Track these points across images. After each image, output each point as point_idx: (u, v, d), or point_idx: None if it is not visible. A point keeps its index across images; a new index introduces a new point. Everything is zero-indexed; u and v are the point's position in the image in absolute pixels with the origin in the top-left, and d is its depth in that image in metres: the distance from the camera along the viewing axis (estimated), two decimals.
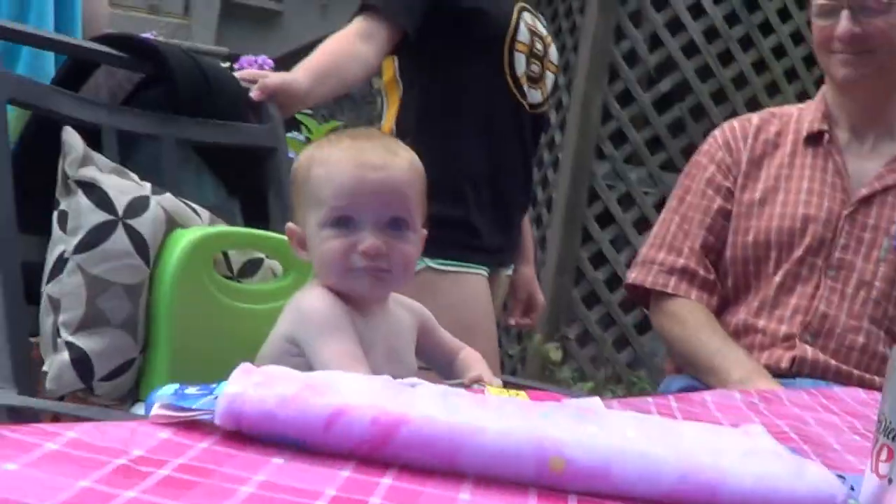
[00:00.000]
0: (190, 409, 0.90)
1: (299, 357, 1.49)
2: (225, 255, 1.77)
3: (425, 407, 0.88)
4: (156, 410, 0.92)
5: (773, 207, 2.44)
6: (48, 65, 2.19)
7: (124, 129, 1.88)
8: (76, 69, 1.97)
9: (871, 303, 2.35)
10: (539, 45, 2.71)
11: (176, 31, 4.49)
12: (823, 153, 2.46)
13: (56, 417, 1.66)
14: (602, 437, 0.90)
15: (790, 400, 1.56)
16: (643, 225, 5.38)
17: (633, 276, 2.58)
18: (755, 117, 2.60)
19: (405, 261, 1.54)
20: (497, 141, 2.64)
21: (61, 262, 1.62)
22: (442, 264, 2.48)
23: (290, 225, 1.61)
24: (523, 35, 2.64)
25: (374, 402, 0.87)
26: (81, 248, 1.61)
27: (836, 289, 2.36)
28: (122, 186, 1.67)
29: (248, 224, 2.03)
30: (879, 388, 2.22)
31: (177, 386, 0.95)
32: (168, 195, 1.73)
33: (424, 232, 1.62)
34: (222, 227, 1.79)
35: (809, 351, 2.33)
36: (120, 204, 1.64)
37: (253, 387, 0.88)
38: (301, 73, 2.33)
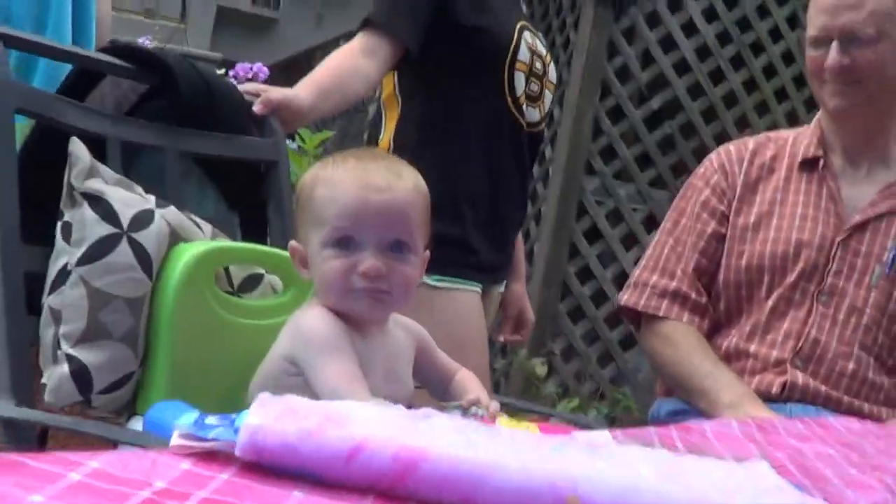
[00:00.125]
0: (210, 440, 0.91)
1: (298, 376, 1.50)
2: (226, 269, 1.77)
3: (445, 442, 0.89)
4: (175, 440, 0.92)
5: (767, 232, 2.46)
6: (64, 75, 2.19)
7: (129, 140, 1.88)
8: (82, 79, 1.97)
9: (862, 329, 2.37)
10: (539, 64, 2.72)
11: (171, 36, 4.49)
12: (818, 179, 2.47)
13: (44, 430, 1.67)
14: (615, 473, 0.91)
15: (786, 429, 1.58)
16: (631, 241, 5.41)
17: (625, 298, 2.59)
18: (751, 141, 2.61)
19: (405, 283, 1.55)
20: (495, 159, 2.65)
21: (64, 273, 1.62)
22: (438, 281, 2.49)
23: (292, 243, 1.62)
24: (524, 54, 2.65)
25: (395, 437, 0.88)
26: (85, 260, 1.61)
27: (827, 315, 2.37)
28: (128, 199, 1.67)
29: (246, 238, 2.04)
30: (869, 415, 2.26)
31: (196, 415, 0.96)
32: (172, 208, 1.73)
33: (427, 254, 1.63)
34: (225, 242, 1.79)
35: (800, 376, 2.34)
36: (125, 217, 1.64)
37: (273, 419, 0.89)
38: (304, 90, 2.33)
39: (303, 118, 2.33)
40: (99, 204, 1.64)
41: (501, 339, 2.98)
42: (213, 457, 0.91)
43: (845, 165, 2.49)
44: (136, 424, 1.59)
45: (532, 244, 5.32)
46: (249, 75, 4.05)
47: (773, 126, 5.37)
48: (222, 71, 4.23)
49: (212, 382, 1.65)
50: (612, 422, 4.86)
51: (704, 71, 5.53)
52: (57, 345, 1.61)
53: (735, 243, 2.48)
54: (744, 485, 0.96)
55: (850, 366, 2.35)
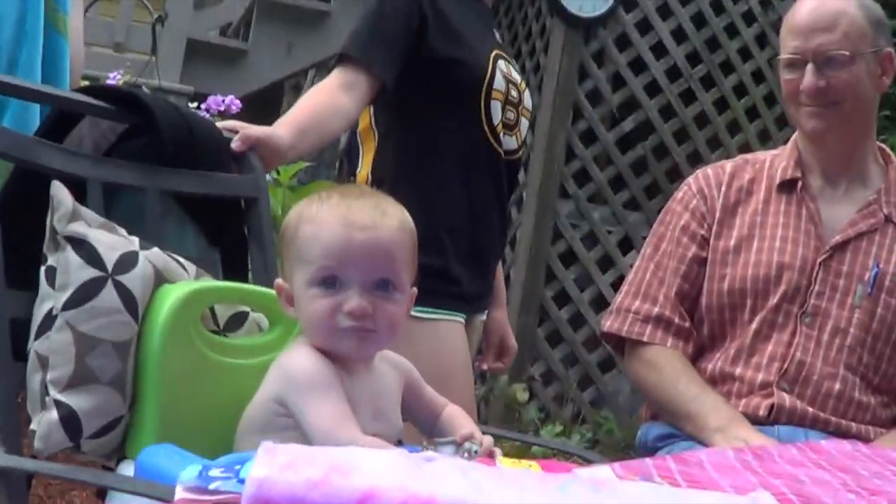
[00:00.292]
0: (216, 492, 0.90)
1: (287, 417, 1.49)
2: (211, 308, 1.76)
3: (452, 488, 0.88)
4: (180, 494, 0.91)
5: (748, 255, 2.45)
6: (35, 117, 2.17)
7: (109, 181, 1.87)
8: (60, 120, 1.96)
9: (847, 349, 2.36)
10: (514, 92, 2.71)
11: (142, 70, 4.47)
12: (797, 200, 2.47)
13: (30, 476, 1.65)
14: None
15: (781, 456, 1.57)
16: (607, 263, 5.42)
17: (607, 324, 2.58)
18: (728, 164, 2.61)
19: (391, 322, 1.55)
20: (474, 189, 2.64)
21: (50, 318, 1.60)
22: (420, 312, 2.47)
23: (278, 281, 1.62)
24: (499, 83, 2.64)
25: (402, 484, 0.87)
26: (70, 304, 1.59)
27: (811, 336, 2.37)
28: (112, 242, 1.65)
29: (227, 274, 2.02)
30: (856, 435, 2.26)
31: (200, 468, 0.95)
32: (156, 250, 1.71)
33: (414, 291, 1.62)
34: (209, 283, 1.77)
35: (787, 398, 2.34)
36: (109, 260, 1.62)
37: (279, 470, 0.88)
38: (283, 129, 2.31)
39: (282, 157, 2.31)
40: (83, 247, 1.62)
41: (485, 366, 2.97)
42: None
43: (824, 186, 2.49)
44: (127, 469, 1.58)
45: (508, 269, 5.32)
46: (222, 108, 4.04)
47: (746, 144, 5.41)
48: (194, 104, 4.22)
49: (202, 423, 1.63)
50: (594, 444, 4.85)
51: (675, 92, 5.56)
52: (45, 391, 1.59)
53: (716, 267, 2.48)
54: None
55: (837, 386, 2.34)
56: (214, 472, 0.93)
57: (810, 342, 2.37)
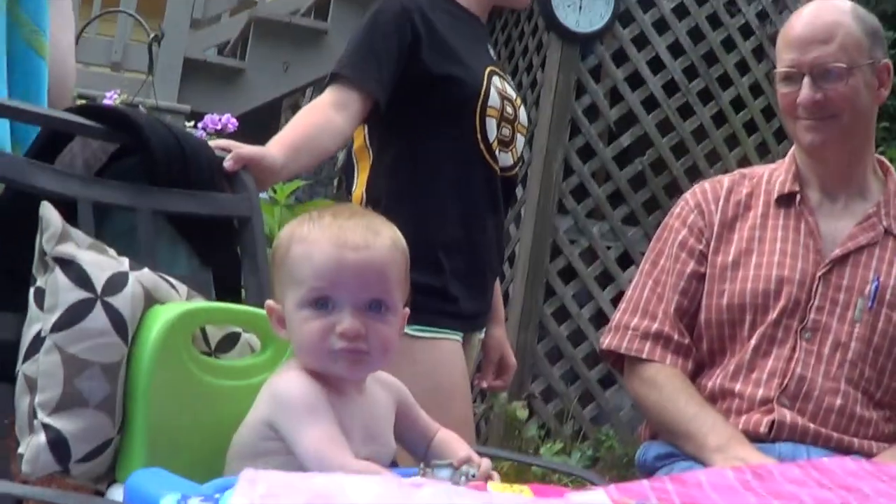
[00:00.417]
0: None
1: (278, 441, 1.47)
2: (203, 331, 1.73)
3: None
4: None
5: (747, 270, 2.43)
6: (3, 131, 2.14)
7: (100, 202, 1.85)
8: (51, 140, 1.94)
9: (848, 364, 2.34)
10: (509, 109, 2.70)
11: (138, 89, 4.47)
12: (795, 214, 2.46)
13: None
14: None
15: (783, 475, 1.55)
16: (606, 279, 5.40)
17: (606, 341, 2.56)
18: (726, 179, 2.60)
19: (384, 343, 1.52)
20: (470, 207, 2.63)
21: (38, 340, 1.58)
22: (418, 330, 2.45)
23: (269, 303, 1.60)
24: (494, 100, 2.63)
25: None
26: (59, 326, 1.57)
27: (812, 351, 2.35)
28: (101, 263, 1.63)
29: (220, 294, 2.00)
30: (858, 451, 2.24)
31: (178, 496, 0.92)
32: (146, 271, 1.69)
33: (406, 311, 1.60)
34: (200, 304, 1.75)
35: (788, 415, 2.31)
36: (98, 281, 1.60)
37: (260, 499, 0.85)
38: (276, 148, 2.30)
39: (275, 176, 2.29)
40: (71, 268, 1.60)
41: (484, 384, 2.95)
42: None
43: (822, 199, 2.47)
44: (117, 493, 1.55)
45: (507, 286, 5.30)
46: (218, 126, 4.02)
47: (744, 158, 5.39)
48: (191, 123, 4.20)
49: (193, 446, 1.61)
50: (595, 462, 4.83)
51: (673, 106, 5.55)
52: (33, 414, 1.56)
53: (715, 282, 2.46)
54: None
55: (838, 402, 2.32)
56: (194, 502, 0.90)
57: (811, 357, 2.35)
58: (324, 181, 6.11)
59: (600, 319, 5.12)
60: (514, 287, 5.31)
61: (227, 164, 2.10)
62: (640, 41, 5.53)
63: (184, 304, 1.69)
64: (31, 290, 1.63)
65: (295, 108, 6.50)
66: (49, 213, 1.64)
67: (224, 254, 2.07)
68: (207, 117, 4.06)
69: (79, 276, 1.60)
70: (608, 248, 5.46)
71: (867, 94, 2.40)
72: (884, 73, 2.43)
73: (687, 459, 2.33)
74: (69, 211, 1.75)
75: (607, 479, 1.36)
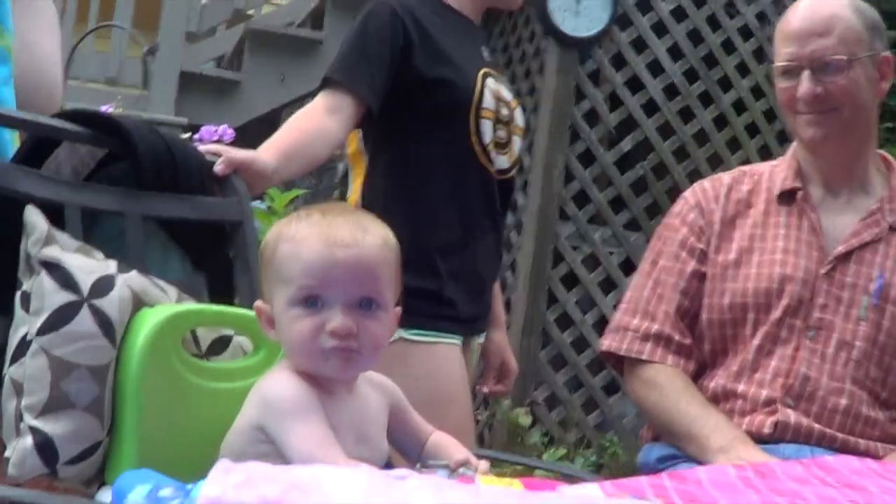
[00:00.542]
0: None
1: (268, 444, 1.44)
2: (193, 333, 1.70)
3: (416, 501, 0.82)
4: None
5: (749, 268, 2.40)
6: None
7: (88, 207, 1.82)
8: (37, 146, 1.91)
9: (853, 363, 2.30)
10: (505, 111, 2.68)
11: (135, 103, 4.45)
12: (797, 211, 2.42)
13: None
14: None
15: (785, 473, 1.51)
16: (609, 285, 5.36)
17: (606, 343, 2.53)
18: (726, 176, 2.57)
19: (375, 342, 1.49)
20: (466, 210, 2.60)
21: (24, 344, 1.56)
22: (415, 335, 2.43)
23: (258, 303, 1.57)
24: (488, 101, 2.60)
25: (364, 502, 0.81)
26: (45, 329, 1.55)
27: (816, 350, 2.31)
28: (87, 266, 1.61)
29: (214, 299, 1.97)
30: (865, 452, 2.20)
31: (150, 487, 0.88)
32: (134, 273, 1.67)
33: (398, 310, 1.57)
34: (190, 306, 1.72)
35: (792, 415, 2.28)
36: (84, 284, 1.58)
37: (233, 489, 0.82)
38: (267, 152, 2.28)
39: (266, 181, 2.27)
40: (57, 272, 1.58)
41: (485, 390, 2.92)
42: None
43: (824, 195, 2.44)
44: (106, 495, 1.53)
45: (509, 294, 5.27)
46: (215, 137, 4.00)
47: (746, 161, 5.34)
48: (188, 135, 4.18)
49: (183, 449, 1.58)
50: (599, 468, 4.79)
51: (674, 110, 5.51)
52: (20, 417, 1.54)
53: (716, 282, 2.43)
54: None
55: (843, 402, 2.28)
56: (165, 492, 0.87)
57: (815, 356, 2.31)
58: (324, 191, 6.08)
59: (603, 326, 5.03)
60: (517, 294, 5.27)
61: (218, 168, 2.08)
62: (639, 45, 5.50)
63: (173, 307, 1.67)
64: (18, 294, 1.61)
65: None
66: (34, 217, 1.63)
67: (216, 258, 2.04)
68: (204, 128, 4.03)
69: (65, 279, 1.57)
70: (610, 253, 5.42)
71: (868, 87, 2.37)
72: (885, 66, 2.40)
73: (689, 461, 2.29)
74: (57, 217, 1.72)
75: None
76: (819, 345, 2.32)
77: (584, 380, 5.29)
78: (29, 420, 1.53)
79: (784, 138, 5.36)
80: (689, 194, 2.57)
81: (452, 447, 1.63)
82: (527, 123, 5.42)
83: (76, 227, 1.77)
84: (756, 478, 1.45)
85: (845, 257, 2.36)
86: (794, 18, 2.40)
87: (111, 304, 1.59)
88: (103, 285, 1.60)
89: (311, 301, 1.46)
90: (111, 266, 1.65)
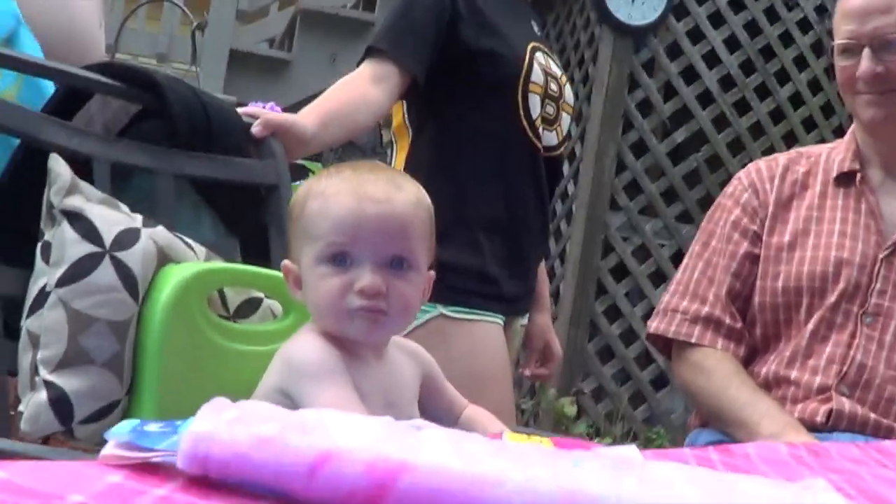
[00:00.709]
0: (149, 450, 0.77)
1: (292, 408, 1.37)
2: (221, 294, 1.64)
3: (433, 453, 0.74)
4: (108, 450, 0.78)
5: (804, 251, 2.31)
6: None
7: (118, 162, 1.76)
8: (68, 98, 1.86)
9: None
10: (554, 86, 2.60)
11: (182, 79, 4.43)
12: (855, 194, 2.34)
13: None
14: (647, 492, 0.76)
15: (840, 454, 1.43)
16: (659, 278, 5.27)
17: (654, 325, 2.44)
18: (782, 157, 2.48)
19: (405, 303, 1.41)
20: (512, 187, 2.52)
21: (42, 295, 1.51)
22: (456, 312, 2.36)
23: (285, 262, 1.49)
24: (537, 76, 2.53)
25: (371, 446, 0.73)
26: (64, 280, 1.49)
27: (873, 337, 2.22)
28: (111, 217, 1.56)
29: (247, 264, 1.91)
30: None
31: (137, 422, 0.81)
32: (161, 228, 1.61)
33: (432, 274, 1.49)
34: (218, 264, 1.66)
35: (847, 404, 2.19)
36: (107, 235, 1.52)
37: (225, 424, 0.75)
38: (308, 117, 2.23)
39: (304, 145, 2.21)
40: (79, 222, 1.52)
41: (527, 373, 2.84)
42: (152, 470, 0.76)
43: (884, 178, 2.35)
44: None
45: (558, 283, 5.20)
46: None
47: None
48: None
49: None
50: None
51: (729, 102, 5.43)
52: (35, 371, 1.49)
53: (770, 264, 2.34)
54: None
55: None
56: (152, 427, 0.79)
57: (871, 343, 2.22)
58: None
59: None
60: (565, 284, 5.20)
61: (255, 129, 2.03)
62: (696, 35, 5.41)
63: (200, 264, 1.61)
64: (39, 245, 1.56)
65: None
66: (58, 166, 1.57)
67: (251, 222, 1.98)
68: (251, 104, 3.99)
69: (86, 229, 1.52)
70: (661, 245, 5.33)
71: None
72: None
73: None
74: (86, 172, 1.67)
75: None
76: (876, 331, 2.22)
77: (632, 373, 5.21)
78: (44, 374, 1.48)
79: (841, 133, 5.22)
80: (744, 174, 2.49)
81: (488, 421, 1.56)
82: (579, 112, 5.38)
83: (104, 183, 1.72)
84: (809, 456, 1.37)
85: None
86: None
87: (134, 257, 1.53)
88: (127, 238, 1.54)
89: (339, 259, 1.38)
90: (136, 219, 1.59)
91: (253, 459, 0.73)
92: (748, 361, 2.34)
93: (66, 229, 1.52)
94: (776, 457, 1.35)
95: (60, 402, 1.48)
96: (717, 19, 5.43)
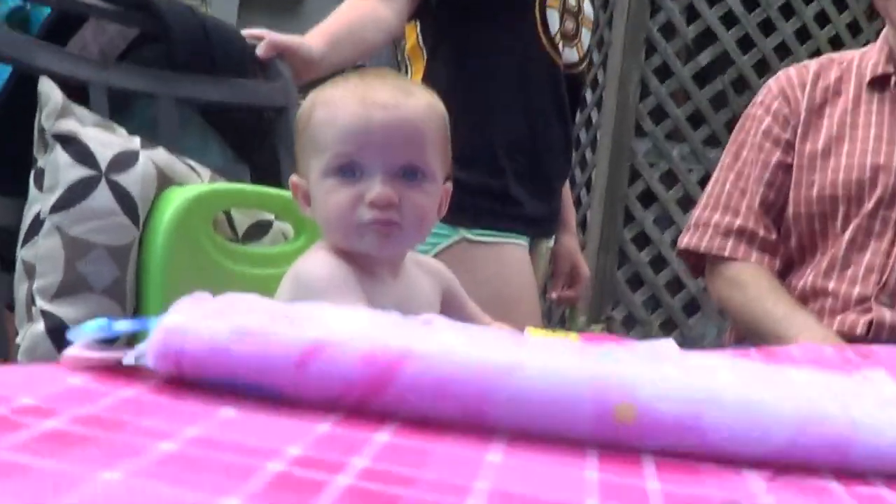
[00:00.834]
0: (118, 349, 0.69)
1: None
2: (228, 217, 1.57)
3: (439, 339, 0.65)
4: (71, 351, 0.70)
5: (839, 158, 2.22)
6: None
7: (115, 87, 1.68)
8: (60, 24, 1.78)
9: None
10: (573, 1, 2.50)
11: None
12: (890, 97, 2.24)
13: None
14: (686, 379, 0.68)
15: (888, 355, 1.34)
16: (688, 203, 5.16)
17: (685, 240, 2.37)
18: (813, 63, 2.38)
19: (419, 214, 1.32)
20: (533, 105, 2.43)
21: (37, 223, 1.44)
22: (479, 235, 2.28)
23: (293, 177, 1.40)
24: None
25: (369, 334, 0.64)
26: (59, 206, 1.43)
27: None
28: (106, 140, 1.48)
29: None
30: None
31: (104, 321, 0.72)
32: (161, 150, 1.53)
33: (449, 186, 1.41)
34: (223, 184, 1.58)
35: (888, 314, 2.11)
36: (103, 158, 1.45)
37: (202, 317, 0.66)
38: (315, 38, 2.14)
39: (314, 66, 2.12)
40: (72, 145, 1.45)
41: (554, 295, 2.77)
42: (121, 372, 0.68)
43: None
44: None
45: (585, 212, 5.11)
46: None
47: None
48: None
49: None
50: None
51: (753, 22, 5.28)
52: (31, 301, 1.43)
53: (803, 173, 2.25)
54: (861, 391, 0.73)
55: None
56: (122, 325, 0.71)
57: None
58: None
59: None
60: (592, 212, 5.11)
61: (260, 50, 1.95)
62: None
63: (204, 185, 1.53)
64: (32, 172, 1.49)
65: None
66: (48, 89, 1.50)
67: (261, 147, 1.91)
68: None
69: (80, 153, 1.45)
70: (689, 170, 5.21)
71: None
72: None
73: None
74: (82, 98, 1.59)
75: None
76: None
77: (662, 300, 5.13)
78: (41, 304, 1.42)
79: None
80: (773, 82, 2.40)
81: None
82: (600, 38, 5.26)
83: (102, 110, 1.64)
84: (857, 357, 1.28)
85: None
86: None
87: (133, 179, 1.46)
88: (124, 160, 1.47)
89: (347, 170, 1.30)
90: (134, 141, 1.52)
91: (233, 353, 0.64)
92: (784, 274, 2.28)
93: (59, 153, 1.44)
94: (822, 357, 1.26)
95: (58, 332, 1.41)
96: None
